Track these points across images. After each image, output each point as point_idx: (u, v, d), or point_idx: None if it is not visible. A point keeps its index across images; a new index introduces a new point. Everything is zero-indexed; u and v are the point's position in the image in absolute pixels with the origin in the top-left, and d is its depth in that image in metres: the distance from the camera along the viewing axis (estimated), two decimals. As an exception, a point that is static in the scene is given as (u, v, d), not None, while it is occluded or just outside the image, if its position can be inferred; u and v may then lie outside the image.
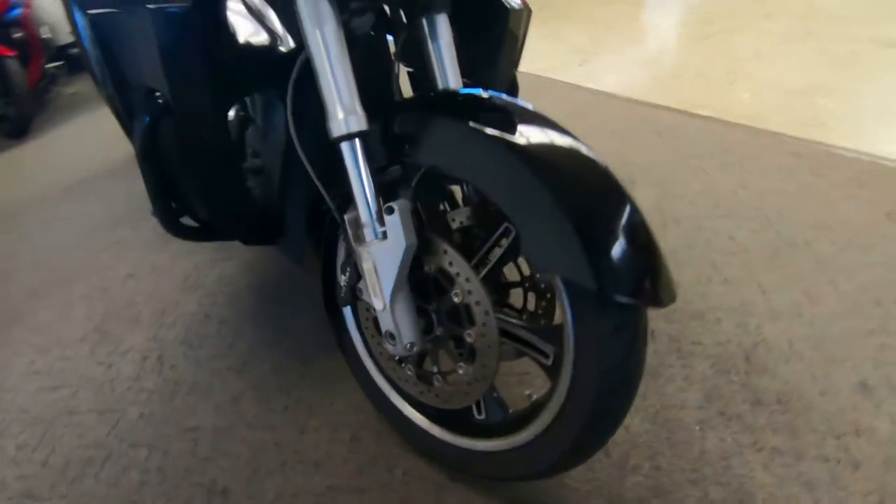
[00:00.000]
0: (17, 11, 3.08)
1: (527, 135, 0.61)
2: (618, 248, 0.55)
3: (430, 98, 0.78)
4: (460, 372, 0.71)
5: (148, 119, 0.73)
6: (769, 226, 1.20)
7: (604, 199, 0.59)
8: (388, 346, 0.70)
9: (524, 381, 0.96)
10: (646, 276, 0.57)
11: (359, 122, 0.64)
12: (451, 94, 0.75)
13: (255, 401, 1.06)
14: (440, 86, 0.79)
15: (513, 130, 0.61)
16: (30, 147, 3.01)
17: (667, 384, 0.93)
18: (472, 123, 0.62)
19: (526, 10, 1.05)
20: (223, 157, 0.81)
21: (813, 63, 1.85)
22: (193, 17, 0.68)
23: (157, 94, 0.72)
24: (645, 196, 1.36)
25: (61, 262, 1.71)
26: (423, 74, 0.82)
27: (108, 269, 1.61)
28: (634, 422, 0.87)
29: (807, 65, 1.85)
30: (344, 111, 0.63)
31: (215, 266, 1.49)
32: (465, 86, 0.99)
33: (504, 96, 0.70)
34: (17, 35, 3.04)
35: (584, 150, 0.62)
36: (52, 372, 1.26)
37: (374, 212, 0.65)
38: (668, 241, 1.20)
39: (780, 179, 1.33)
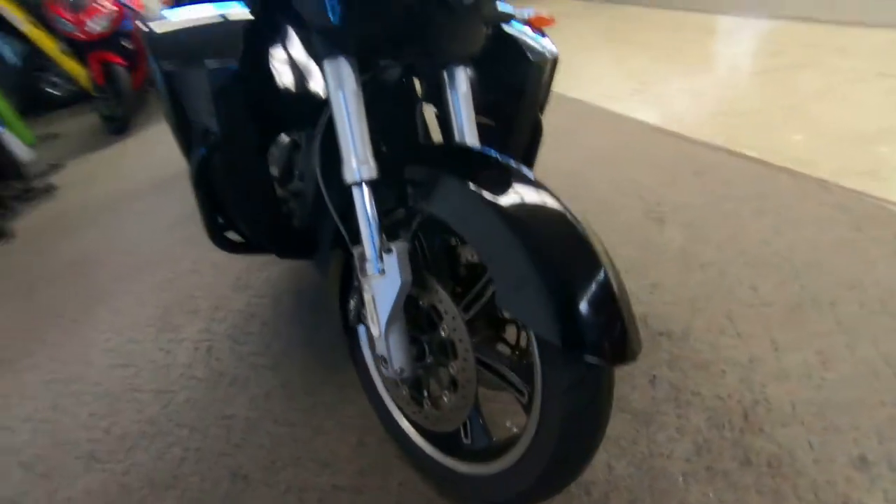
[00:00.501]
0: (129, 25, 3.49)
1: (515, 199, 0.67)
2: (583, 309, 0.61)
3: (440, 151, 0.86)
4: (444, 399, 0.79)
5: (202, 151, 0.87)
6: (795, 279, 1.18)
7: (576, 263, 0.64)
8: (382, 370, 0.80)
9: (514, 412, 1.02)
10: (608, 336, 0.62)
11: (369, 171, 0.73)
12: (458, 151, 0.82)
13: (283, 398, 1.19)
14: (455, 135, 0.87)
15: (504, 193, 0.68)
16: (131, 142, 3.42)
17: (658, 431, 0.95)
18: (469, 183, 0.70)
19: (550, 60, 1.11)
20: (260, 185, 0.94)
21: (880, 107, 1.75)
22: (241, 73, 0.81)
23: (211, 132, 0.86)
24: (672, 237, 1.37)
25: (143, 251, 1.95)
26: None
27: (178, 261, 1.83)
28: (620, 464, 0.91)
29: (873, 108, 1.75)
30: (357, 161, 0.73)
31: (264, 269, 1.65)
32: (485, 127, 1.07)
33: (507, 161, 0.76)
34: (128, 45, 3.45)
35: (567, 216, 0.68)
36: (123, 352, 1.46)
37: (376, 249, 0.74)
38: (688, 286, 1.22)
39: (817, 231, 1.29)
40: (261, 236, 1.04)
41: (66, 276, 1.96)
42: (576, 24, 3.59)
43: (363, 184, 0.74)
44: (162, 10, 1.16)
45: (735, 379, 1.01)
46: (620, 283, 0.65)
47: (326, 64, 0.72)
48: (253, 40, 0.81)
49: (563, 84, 2.38)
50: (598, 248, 0.66)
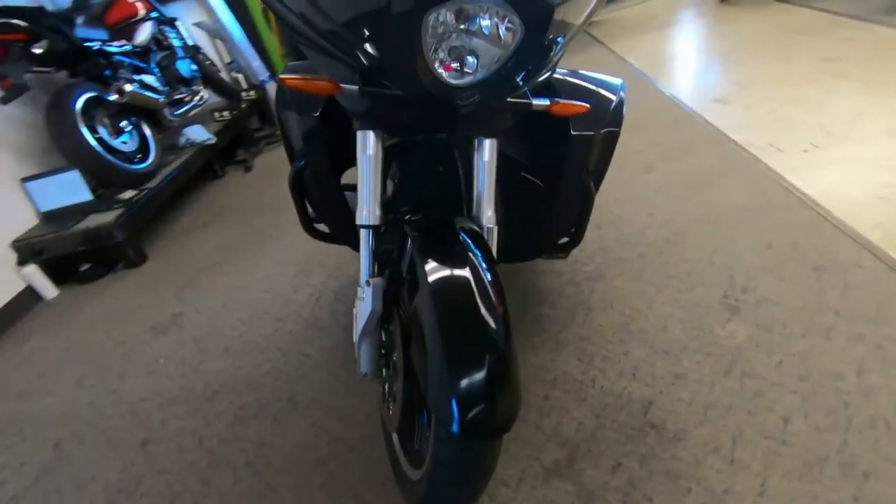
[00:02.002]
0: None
1: (453, 280, 0.82)
2: (463, 389, 0.74)
3: (432, 219, 1.00)
4: (390, 407, 1.00)
5: (297, 166, 1.20)
6: (842, 431, 1.01)
7: (477, 348, 0.77)
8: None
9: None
10: (477, 416, 0.74)
11: (373, 219, 0.95)
12: (443, 226, 0.96)
13: (344, 356, 1.53)
14: (473, 204, 0.99)
15: (450, 272, 0.83)
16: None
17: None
18: (429, 258, 0.86)
19: (600, 135, 1.12)
20: (334, 197, 1.25)
21: None
22: (322, 119, 1.10)
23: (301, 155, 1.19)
24: (733, 333, 1.25)
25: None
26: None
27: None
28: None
29: None
30: (366, 210, 0.95)
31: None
32: (534, 186, 1.16)
33: (477, 252, 0.88)
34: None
35: (493, 307, 0.80)
36: (272, 280, 2.01)
37: (365, 279, 0.97)
38: (714, 390, 1.14)
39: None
40: (337, 231, 1.37)
41: (269, 211, 2.66)
42: (747, 33, 2.94)
43: (367, 228, 0.96)
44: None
45: (696, 503, 0.97)
46: (510, 376, 0.76)
47: (357, 134, 0.95)
48: (332, 100, 1.08)
49: (727, 118, 2.14)
50: (503, 336, 0.77)
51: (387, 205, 1.21)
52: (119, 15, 2.82)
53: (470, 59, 0.78)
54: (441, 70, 0.78)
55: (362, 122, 0.93)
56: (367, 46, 0.79)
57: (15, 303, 2.37)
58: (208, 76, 3.48)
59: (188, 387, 1.61)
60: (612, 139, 1.17)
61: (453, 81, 0.79)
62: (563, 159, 1.13)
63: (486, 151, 0.97)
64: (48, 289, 2.48)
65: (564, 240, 1.34)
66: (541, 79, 0.93)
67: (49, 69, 2.44)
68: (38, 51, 2.26)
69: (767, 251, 1.46)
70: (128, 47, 2.80)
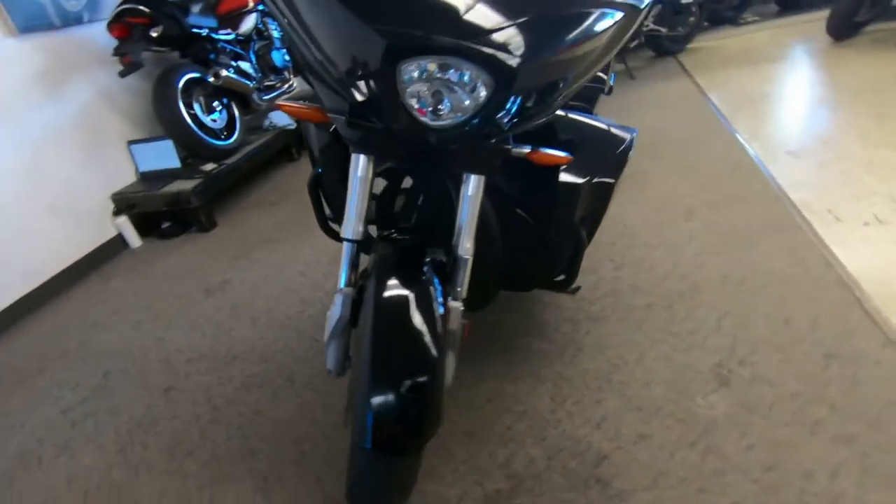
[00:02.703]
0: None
1: (396, 303, 0.90)
2: (379, 406, 0.82)
3: (406, 242, 1.07)
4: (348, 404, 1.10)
5: (318, 171, 1.33)
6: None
7: (400, 370, 0.85)
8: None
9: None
10: (389, 434, 0.82)
11: (354, 234, 1.04)
12: (411, 250, 1.03)
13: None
14: (454, 236, 1.06)
15: (396, 294, 0.91)
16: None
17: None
18: (384, 278, 0.94)
19: (589, 184, 1.13)
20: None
21: None
22: (336, 135, 1.21)
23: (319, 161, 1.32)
24: (715, 405, 1.21)
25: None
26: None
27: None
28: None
29: None
30: (350, 225, 1.04)
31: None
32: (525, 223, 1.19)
33: (434, 281, 0.95)
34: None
35: (427, 335, 0.87)
36: (307, 267, 2.19)
37: (340, 287, 1.06)
38: (669, 466, 1.12)
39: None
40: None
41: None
42: (850, 79, 2.58)
43: (349, 241, 1.06)
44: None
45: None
46: (428, 401, 0.83)
47: (352, 156, 1.04)
48: None
49: (793, 173, 1.99)
50: (425, 365, 0.84)
51: (391, 219, 1.31)
52: (230, 6, 3.15)
53: (445, 104, 0.85)
54: (417, 112, 0.85)
55: (354, 147, 1.02)
56: (352, 83, 0.87)
57: (107, 246, 2.77)
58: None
59: (215, 347, 1.82)
60: (604, 190, 1.18)
61: (430, 123, 0.86)
62: (551, 203, 1.16)
63: (472, 187, 1.02)
64: (134, 239, 2.87)
65: (561, 277, 1.36)
66: (524, 127, 0.97)
67: (163, 49, 2.81)
68: (154, 34, 2.61)
69: (782, 326, 1.38)
70: (231, 36, 3.13)
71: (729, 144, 2.44)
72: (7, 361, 2.05)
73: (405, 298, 0.91)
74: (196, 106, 2.86)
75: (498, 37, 0.81)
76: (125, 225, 2.83)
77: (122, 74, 2.66)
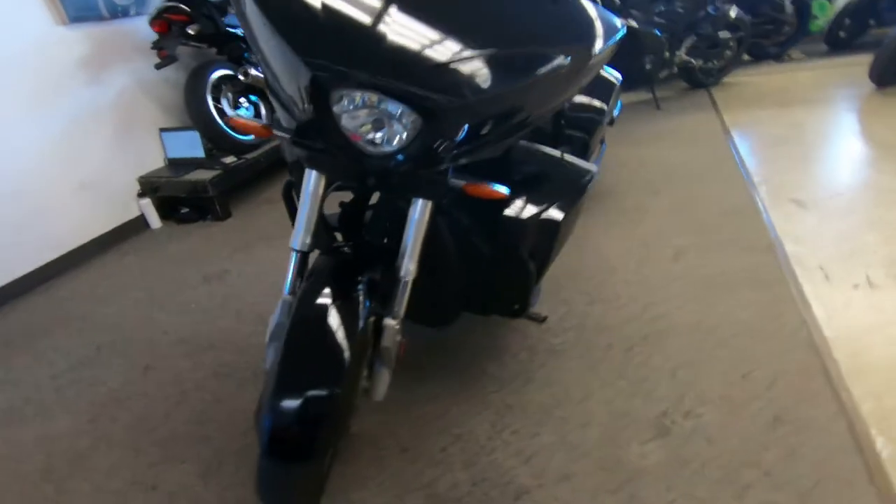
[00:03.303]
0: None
1: (315, 315, 0.94)
2: (278, 413, 0.87)
3: (347, 257, 1.11)
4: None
5: (289, 180, 1.38)
6: None
7: (305, 381, 0.89)
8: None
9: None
10: (282, 441, 0.86)
11: (301, 245, 1.09)
12: (349, 265, 1.07)
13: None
14: (398, 258, 1.09)
15: (317, 306, 0.95)
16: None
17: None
18: (313, 289, 0.98)
19: (538, 222, 1.14)
20: None
21: None
22: None
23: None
24: (648, 454, 1.20)
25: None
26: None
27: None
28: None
29: None
30: (299, 236, 1.09)
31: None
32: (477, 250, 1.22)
33: (361, 298, 0.99)
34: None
35: (340, 351, 0.91)
36: (299, 264, 2.27)
37: (284, 294, 1.11)
38: None
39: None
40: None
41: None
42: (883, 131, 2.40)
43: (295, 251, 1.12)
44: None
45: None
46: (327, 415, 0.87)
47: (305, 172, 1.09)
48: None
49: (793, 223, 1.91)
50: (333, 385, 0.88)
51: (353, 230, 1.35)
52: None
53: (381, 132, 0.89)
54: (352, 138, 0.90)
55: (305, 164, 1.07)
56: (297, 105, 0.92)
57: (129, 225, 2.95)
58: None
59: (197, 333, 1.92)
60: (550, 228, 1.18)
61: (365, 149, 0.91)
62: (497, 234, 1.18)
63: (418, 211, 1.05)
64: (155, 220, 3.04)
65: (515, 306, 1.37)
66: (465, 160, 1.00)
67: (200, 46, 2.97)
68: (191, 31, 2.77)
69: (739, 380, 1.34)
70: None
71: (736, 186, 2.37)
72: (24, 320, 2.22)
73: (325, 311, 0.95)
74: (224, 101, 3.00)
75: (428, 74, 0.84)
76: (148, 207, 3.00)
77: (158, 66, 2.83)
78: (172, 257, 2.62)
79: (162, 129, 3.09)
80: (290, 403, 0.86)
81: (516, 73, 0.89)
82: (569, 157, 1.33)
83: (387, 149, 0.90)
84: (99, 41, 2.72)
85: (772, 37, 4.23)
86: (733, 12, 3.57)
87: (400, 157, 0.90)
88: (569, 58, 0.97)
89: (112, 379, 1.74)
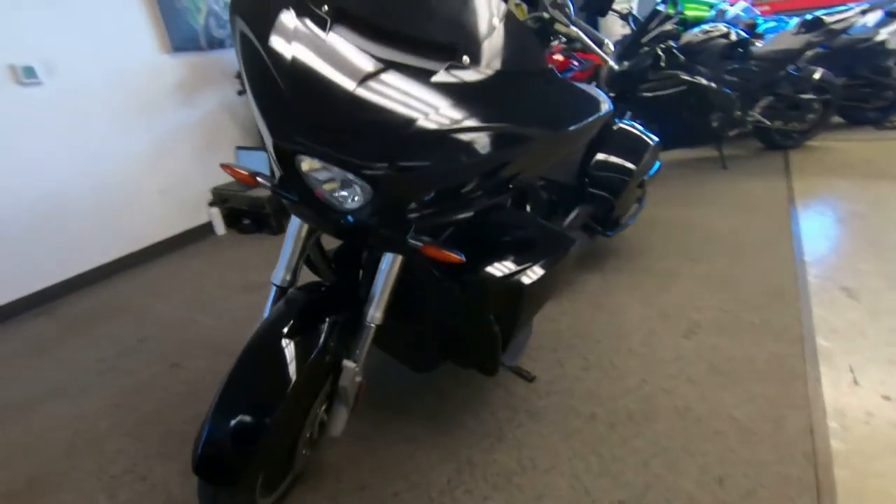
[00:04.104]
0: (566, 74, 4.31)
1: (265, 345, 1.03)
2: (211, 435, 0.95)
3: (320, 296, 1.19)
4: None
5: None
6: None
7: (242, 407, 0.97)
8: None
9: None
10: (210, 462, 0.94)
11: (281, 281, 1.21)
12: (315, 304, 1.15)
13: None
14: (367, 305, 1.17)
15: (269, 338, 1.04)
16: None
17: None
18: (273, 320, 1.08)
19: (502, 287, 1.15)
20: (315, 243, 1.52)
21: None
22: None
23: None
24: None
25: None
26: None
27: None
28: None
29: None
30: (278, 272, 1.21)
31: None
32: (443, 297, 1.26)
33: (318, 337, 1.07)
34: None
35: (283, 384, 0.99)
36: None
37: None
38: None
39: None
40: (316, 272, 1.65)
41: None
42: None
43: (274, 287, 1.23)
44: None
45: None
46: (256, 443, 0.94)
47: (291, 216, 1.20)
48: None
49: (835, 314, 1.74)
50: (261, 422, 0.96)
51: (343, 268, 1.44)
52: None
53: (342, 192, 0.97)
54: (316, 194, 0.99)
55: (288, 209, 1.17)
56: (273, 159, 1.03)
57: (197, 229, 3.30)
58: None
59: (223, 340, 2.10)
60: (516, 293, 1.19)
61: (333, 204, 0.99)
62: (460, 293, 1.21)
63: (387, 262, 1.14)
64: (220, 228, 3.37)
65: (487, 364, 1.38)
66: (431, 221, 1.05)
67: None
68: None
69: (713, 484, 1.25)
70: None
71: (783, 264, 2.20)
72: (92, 305, 2.56)
73: (276, 342, 1.04)
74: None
75: (370, 149, 0.90)
76: (216, 215, 3.34)
77: (240, 93, 3.18)
78: (227, 263, 2.89)
79: (238, 147, 3.43)
80: (222, 426, 0.95)
81: (461, 151, 0.92)
82: (550, 225, 1.33)
83: (348, 206, 0.98)
84: (194, 68, 3.12)
85: (872, 101, 3.88)
86: (818, 74, 3.33)
87: (359, 215, 0.98)
88: (530, 138, 1.00)
89: (143, 371, 1.96)
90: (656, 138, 2.14)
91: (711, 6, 4.82)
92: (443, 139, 0.91)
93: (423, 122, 0.89)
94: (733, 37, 3.20)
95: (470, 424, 1.52)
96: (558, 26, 1.19)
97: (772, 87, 3.37)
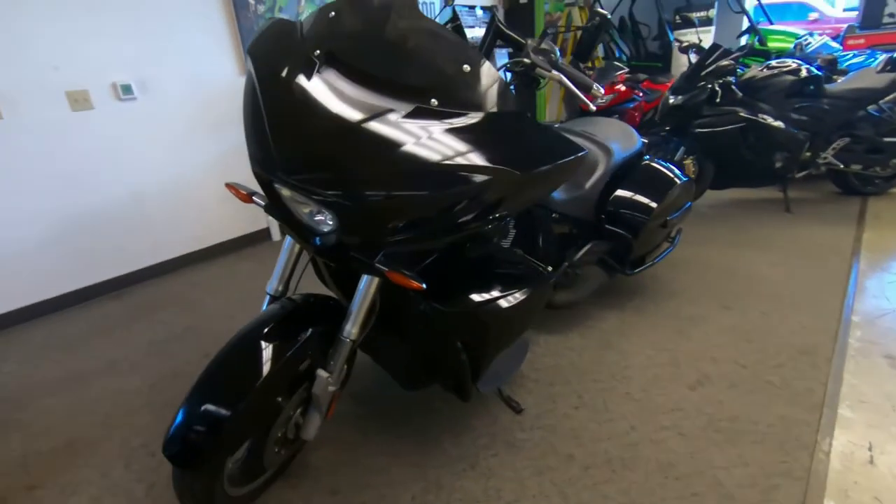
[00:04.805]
0: (630, 104, 4.24)
1: (245, 343, 1.15)
2: (182, 418, 1.07)
3: (310, 305, 1.29)
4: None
5: None
6: None
7: (213, 397, 1.08)
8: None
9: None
10: (177, 444, 1.06)
11: (273, 290, 1.34)
12: (303, 311, 1.26)
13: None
14: (345, 321, 1.26)
15: (249, 336, 1.16)
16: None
17: None
18: (260, 321, 1.20)
19: (466, 317, 1.18)
20: (313, 258, 1.65)
21: None
22: None
23: None
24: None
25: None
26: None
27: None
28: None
29: None
30: (272, 283, 1.35)
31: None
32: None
33: (295, 342, 1.18)
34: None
35: (252, 382, 1.10)
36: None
37: None
38: None
39: None
40: (323, 282, 1.77)
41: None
42: None
43: (268, 294, 1.36)
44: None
45: None
46: (220, 431, 1.06)
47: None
48: None
49: (867, 380, 1.59)
50: (229, 413, 1.07)
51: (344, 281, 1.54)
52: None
53: (318, 216, 1.08)
54: (294, 215, 1.10)
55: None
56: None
57: (255, 234, 3.61)
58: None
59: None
60: (480, 324, 1.22)
61: (310, 226, 1.10)
62: (426, 318, 1.26)
63: (365, 283, 1.23)
64: (276, 234, 3.66)
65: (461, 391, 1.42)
66: (403, 248, 1.13)
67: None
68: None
69: (678, 546, 1.19)
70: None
71: (825, 321, 2.02)
72: (156, 294, 2.89)
73: (257, 343, 1.16)
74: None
75: (332, 181, 1.00)
76: (273, 222, 3.63)
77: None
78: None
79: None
80: (192, 413, 1.07)
81: (415, 186, 0.99)
82: (530, 260, 1.35)
83: (322, 229, 1.08)
84: (266, 89, 3.44)
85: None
86: (904, 117, 3.02)
87: (330, 239, 1.08)
88: (487, 178, 1.04)
89: (181, 357, 2.19)
90: (685, 177, 2.07)
91: (796, 37, 4.54)
92: (399, 174, 0.98)
93: (383, 158, 0.98)
94: (804, 73, 3.00)
95: (448, 447, 1.55)
96: (539, 71, 1.24)
97: (849, 128, 3.10)
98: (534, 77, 1.28)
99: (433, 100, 1.03)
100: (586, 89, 1.25)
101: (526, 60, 1.23)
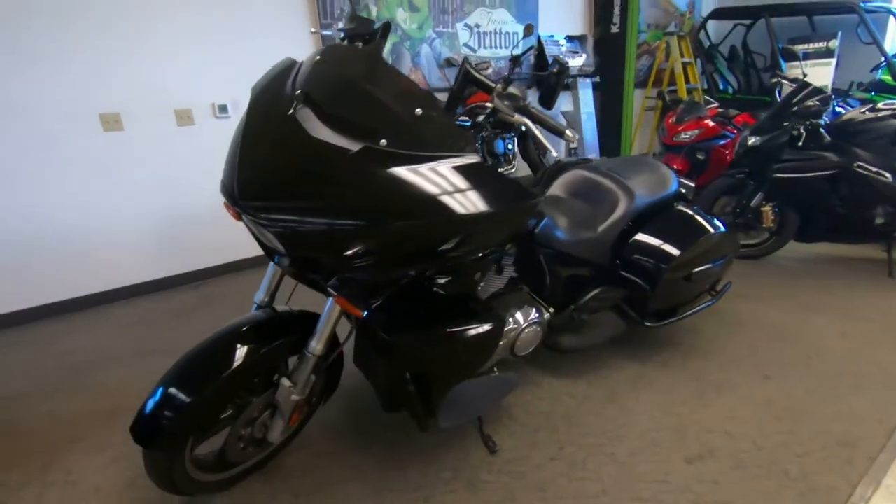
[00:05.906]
0: (720, 141, 3.92)
1: (222, 341, 1.29)
2: (150, 402, 1.24)
3: (286, 316, 1.40)
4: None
5: None
6: None
7: (181, 384, 1.23)
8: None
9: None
10: (141, 426, 1.22)
11: (259, 301, 1.48)
12: (282, 322, 1.37)
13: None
14: (311, 337, 1.36)
15: (226, 336, 1.30)
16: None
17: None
18: (243, 322, 1.34)
19: (410, 349, 1.21)
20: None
21: None
22: None
23: None
24: None
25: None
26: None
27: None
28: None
29: None
30: (259, 294, 1.49)
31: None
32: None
33: (270, 346, 1.29)
34: (700, 157, 3.96)
35: (218, 373, 1.23)
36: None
37: None
38: None
39: None
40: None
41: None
42: None
43: (255, 304, 1.50)
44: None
45: None
46: (180, 414, 1.20)
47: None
48: None
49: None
50: (192, 399, 1.21)
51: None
52: (476, 100, 3.89)
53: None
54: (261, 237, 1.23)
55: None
56: None
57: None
58: (526, 152, 4.28)
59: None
60: (421, 358, 1.23)
61: (276, 248, 1.22)
62: (385, 349, 1.30)
63: (329, 305, 1.32)
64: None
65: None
66: (356, 276, 1.20)
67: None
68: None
69: None
70: (468, 124, 3.85)
71: (881, 409, 1.70)
72: (222, 289, 3.24)
73: (230, 343, 1.29)
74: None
75: (283, 207, 1.09)
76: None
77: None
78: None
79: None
80: (159, 398, 1.22)
81: (350, 218, 1.05)
82: (484, 304, 1.35)
83: (281, 249, 1.20)
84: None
85: None
86: None
87: (285, 260, 1.19)
88: (452, 214, 1.07)
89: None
90: (723, 227, 1.88)
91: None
92: (337, 208, 1.06)
93: (326, 192, 1.06)
94: (919, 117, 2.57)
95: (413, 474, 1.57)
96: (502, 115, 1.24)
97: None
98: (499, 120, 1.29)
99: (383, 140, 1.09)
100: (559, 133, 1.23)
101: (488, 105, 1.25)
